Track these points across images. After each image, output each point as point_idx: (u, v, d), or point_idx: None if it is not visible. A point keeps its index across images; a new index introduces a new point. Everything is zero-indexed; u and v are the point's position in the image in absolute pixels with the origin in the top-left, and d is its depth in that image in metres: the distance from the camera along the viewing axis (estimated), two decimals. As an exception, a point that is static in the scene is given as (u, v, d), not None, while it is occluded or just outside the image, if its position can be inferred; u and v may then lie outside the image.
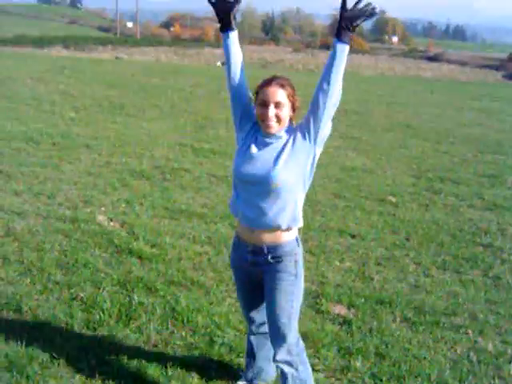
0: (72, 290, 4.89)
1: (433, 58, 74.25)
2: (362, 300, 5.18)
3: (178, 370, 3.94)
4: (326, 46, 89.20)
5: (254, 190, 3.14)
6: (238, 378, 3.89)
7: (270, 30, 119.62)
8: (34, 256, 5.48)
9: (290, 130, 3.20)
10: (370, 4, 2.99)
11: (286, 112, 3.12)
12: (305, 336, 4.44)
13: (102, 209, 7.05)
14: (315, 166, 3.22)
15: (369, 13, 3.00)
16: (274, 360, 3.41)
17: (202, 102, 17.87)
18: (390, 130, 15.58)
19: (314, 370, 4.02)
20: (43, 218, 6.57)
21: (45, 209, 6.86)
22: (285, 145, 3.14)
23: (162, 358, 4.07)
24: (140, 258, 5.69)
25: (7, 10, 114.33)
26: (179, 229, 6.61)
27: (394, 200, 8.52)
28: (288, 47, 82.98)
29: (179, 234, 6.43)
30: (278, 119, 3.10)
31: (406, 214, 7.85)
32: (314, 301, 5.11)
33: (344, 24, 2.99)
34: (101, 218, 6.71)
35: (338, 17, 3.01)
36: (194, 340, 4.33)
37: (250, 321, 3.67)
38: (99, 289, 4.93)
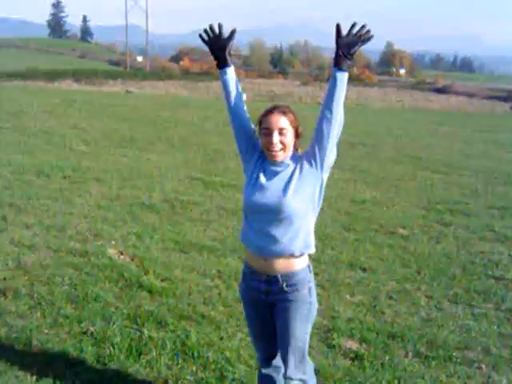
0: (82, 324, 4.87)
1: (441, 90, 74.58)
2: (374, 334, 5.13)
3: (189, 405, 3.91)
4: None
5: (266, 219, 3.17)
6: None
7: (279, 63, 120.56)
8: (44, 289, 5.48)
9: (296, 158, 3.24)
10: (363, 28, 3.03)
11: (289, 138, 3.17)
12: (317, 371, 4.40)
13: (113, 242, 7.06)
14: (323, 191, 3.26)
15: (364, 37, 3.04)
16: (287, 377, 3.45)
17: (211, 135, 17.97)
18: (399, 162, 15.59)
19: (326, 406, 4.01)
20: (53, 251, 6.58)
21: (55, 242, 6.87)
22: (293, 172, 3.19)
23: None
24: (150, 291, 5.66)
25: (18, 45, 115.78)
26: (189, 262, 6.60)
27: (404, 233, 8.50)
28: (296, 80, 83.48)
29: (189, 268, 6.41)
30: (283, 146, 3.15)
31: (417, 247, 7.81)
32: (325, 335, 5.07)
33: (341, 52, 3.05)
34: (111, 251, 6.72)
35: (335, 45, 3.05)
36: (204, 375, 4.29)
37: (262, 354, 3.65)
38: (109, 323, 4.91)
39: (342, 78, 3.09)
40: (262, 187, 3.19)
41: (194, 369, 4.36)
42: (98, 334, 4.72)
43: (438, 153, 17.74)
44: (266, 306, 3.37)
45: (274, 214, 3.14)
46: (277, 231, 3.16)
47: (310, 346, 4.75)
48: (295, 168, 3.20)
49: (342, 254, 7.34)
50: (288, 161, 3.22)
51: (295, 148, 3.28)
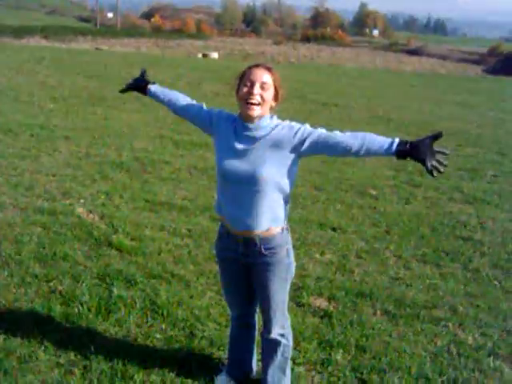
0: (51, 284, 4.84)
1: (413, 52, 74.64)
2: (343, 293, 5.18)
3: (158, 363, 3.91)
4: (306, 39, 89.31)
5: (240, 189, 3.14)
6: (218, 372, 3.87)
7: (251, 22, 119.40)
8: (11, 248, 5.42)
9: (272, 125, 3.18)
10: (445, 154, 3.05)
11: (269, 95, 3.12)
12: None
13: (82, 201, 6.98)
14: (297, 167, 3.23)
15: (437, 164, 3.00)
16: (269, 336, 3.54)
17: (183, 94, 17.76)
18: (371, 123, 15.60)
19: (294, 363, 4.06)
20: (21, 209, 6.50)
21: (23, 201, 6.77)
22: (268, 140, 3.13)
23: (141, 352, 4.04)
24: (119, 250, 5.63)
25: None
26: (159, 221, 6.56)
27: (374, 193, 8.54)
28: (269, 39, 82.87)
29: (159, 227, 6.38)
30: (262, 100, 3.09)
31: (387, 207, 7.86)
32: (294, 294, 5.09)
33: (416, 154, 3.02)
34: (80, 210, 6.65)
35: (421, 142, 3.05)
36: (174, 333, 4.30)
37: (236, 311, 3.68)
38: (78, 282, 4.88)
39: (390, 154, 3.05)
40: (236, 154, 3.15)
41: (164, 327, 4.37)
42: (67, 293, 4.69)
43: (410, 114, 17.80)
44: (243, 265, 3.38)
45: (248, 184, 3.10)
46: (251, 202, 3.14)
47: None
48: (269, 135, 3.14)
49: (312, 213, 7.35)
50: (262, 123, 3.15)
51: (271, 111, 3.22)
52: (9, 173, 7.82)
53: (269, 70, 3.16)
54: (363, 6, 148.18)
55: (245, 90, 3.10)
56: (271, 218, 3.19)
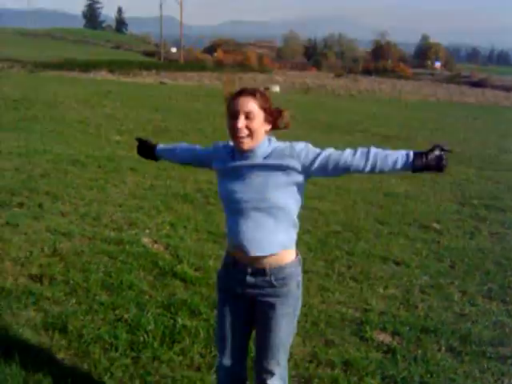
0: (117, 312, 4.93)
1: (476, 84, 73.70)
2: (407, 328, 5.11)
3: (221, 394, 3.92)
4: (367, 72, 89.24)
5: (243, 214, 3.00)
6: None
7: (313, 56, 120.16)
8: (79, 276, 5.55)
9: (273, 148, 3.00)
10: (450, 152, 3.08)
11: (257, 124, 2.92)
12: (349, 363, 4.42)
13: (147, 231, 7.13)
14: (304, 188, 3.07)
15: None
16: (267, 378, 3.22)
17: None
18: (434, 156, 15.40)
19: (357, 397, 4.00)
20: (89, 239, 6.67)
21: (90, 230, 6.96)
22: (270, 163, 2.96)
23: (205, 382, 4.07)
24: (184, 280, 5.71)
25: (54, 35, 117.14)
26: (222, 252, 6.57)
27: (438, 227, 8.43)
28: (330, 73, 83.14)
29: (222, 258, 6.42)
30: (250, 132, 2.90)
31: (451, 242, 7.75)
32: (357, 328, 5.07)
33: (433, 163, 3.00)
34: (145, 240, 6.78)
35: (437, 155, 3.02)
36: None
37: (227, 360, 3.29)
38: (143, 311, 4.96)
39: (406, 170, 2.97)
40: (238, 182, 3.01)
41: (227, 358, 4.38)
42: (133, 321, 4.77)
43: (473, 147, 17.54)
44: (247, 300, 3.15)
45: (254, 210, 2.97)
46: (258, 228, 2.98)
47: (342, 339, 4.81)
48: (271, 158, 2.97)
49: (374, 247, 7.30)
50: (260, 150, 2.98)
51: (268, 135, 3.05)
52: (77, 202, 8.05)
53: (252, 95, 2.94)
54: (425, 38, 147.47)
55: (230, 123, 2.94)
56: (279, 242, 3.01)
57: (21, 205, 7.68)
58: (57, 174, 9.61)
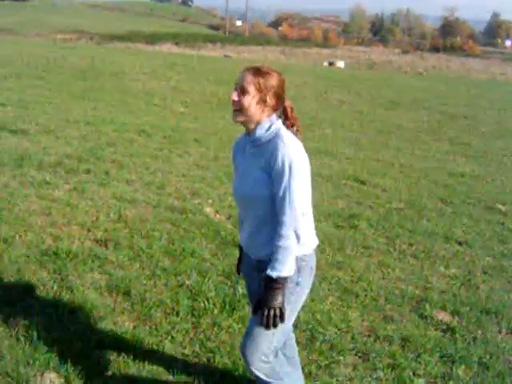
0: (179, 278, 5.02)
1: (550, 64, 71.02)
2: (467, 308, 5.03)
3: (279, 362, 3.97)
4: (435, 49, 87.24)
5: (246, 213, 3.05)
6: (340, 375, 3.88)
7: (379, 31, 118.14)
8: (143, 242, 5.67)
9: (267, 135, 2.91)
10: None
11: (248, 101, 2.84)
12: (406, 340, 4.39)
13: (209, 201, 7.21)
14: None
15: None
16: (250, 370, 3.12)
17: (308, 102, 17.89)
18: (502, 136, 15.06)
19: (414, 374, 3.99)
20: (153, 207, 6.79)
21: (155, 198, 7.08)
22: (259, 154, 2.93)
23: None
24: (244, 251, 5.76)
25: (122, 8, 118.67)
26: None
27: (503, 209, 8.23)
28: (396, 49, 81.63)
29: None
30: (240, 107, 2.86)
31: (517, 224, 7.57)
32: (417, 305, 5.03)
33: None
34: (208, 209, 6.87)
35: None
36: (295, 335, 4.34)
37: None
38: (205, 278, 5.03)
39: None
40: (239, 173, 3.06)
41: (287, 328, 4.42)
42: (194, 287, 4.85)
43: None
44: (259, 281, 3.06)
45: (250, 207, 2.99)
46: (254, 228, 3.01)
47: (401, 315, 4.78)
48: (261, 148, 2.92)
49: (437, 226, 7.20)
50: (257, 133, 2.92)
51: (274, 119, 2.94)
52: (142, 171, 8.19)
53: (254, 73, 2.87)
54: (495, 15, 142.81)
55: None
56: (269, 248, 2.91)
57: (88, 171, 7.87)
58: (123, 142, 9.79)
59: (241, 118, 2.90)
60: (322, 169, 9.38)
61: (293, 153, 2.81)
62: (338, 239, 6.36)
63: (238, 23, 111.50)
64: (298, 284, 3.02)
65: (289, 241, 2.82)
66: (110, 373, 3.70)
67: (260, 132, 2.91)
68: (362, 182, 8.80)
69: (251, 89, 2.84)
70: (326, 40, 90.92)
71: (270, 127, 2.91)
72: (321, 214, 7.09)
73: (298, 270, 2.98)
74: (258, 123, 2.91)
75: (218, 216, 6.73)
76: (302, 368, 3.91)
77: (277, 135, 2.88)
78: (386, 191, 8.49)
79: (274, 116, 2.95)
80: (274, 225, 2.87)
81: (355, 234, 6.58)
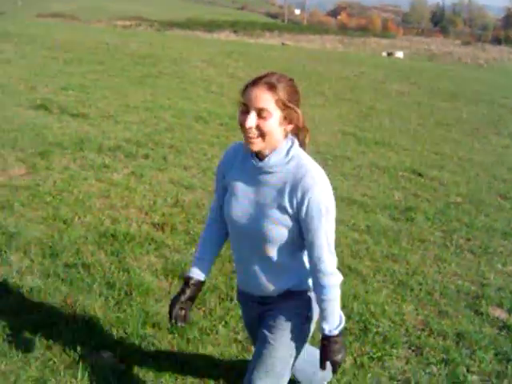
0: (233, 264, 5.05)
1: None
2: (525, 306, 4.94)
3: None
4: (497, 40, 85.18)
5: (247, 245, 2.61)
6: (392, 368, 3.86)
7: (440, 22, 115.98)
8: (199, 228, 5.71)
9: (285, 163, 2.43)
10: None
11: (271, 124, 2.32)
12: (461, 336, 4.34)
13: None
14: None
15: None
16: None
17: (366, 91, 17.72)
18: None
19: (468, 371, 3.93)
20: (209, 192, 6.83)
21: (211, 184, 7.11)
22: (274, 185, 2.46)
23: (315, 339, 4.11)
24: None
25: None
26: (339, 215, 6.54)
27: None
28: (457, 40, 79.97)
29: (339, 221, 6.39)
30: (261, 133, 2.32)
31: None
32: (472, 301, 4.95)
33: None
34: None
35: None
36: (348, 326, 4.33)
37: None
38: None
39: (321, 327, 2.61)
40: (241, 200, 2.54)
41: (339, 318, 4.42)
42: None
43: None
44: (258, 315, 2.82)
45: (254, 242, 2.55)
46: (257, 266, 2.64)
47: (456, 310, 4.72)
48: (277, 178, 2.44)
49: (496, 221, 7.06)
50: (272, 160, 2.41)
51: (291, 141, 2.48)
52: (199, 157, 8.27)
53: (271, 87, 2.31)
54: None
55: (240, 118, 2.36)
56: (284, 284, 2.65)
57: (146, 156, 7.99)
58: (180, 128, 9.89)
59: (261, 145, 2.37)
60: (379, 160, 9.29)
61: (326, 192, 2.43)
62: (394, 231, 6.31)
63: (297, 12, 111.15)
64: (308, 319, 2.73)
65: (337, 288, 2.56)
66: (163, 354, 3.76)
67: (277, 159, 2.41)
68: (420, 175, 8.69)
69: (273, 109, 2.32)
70: (385, 30, 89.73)
71: (288, 152, 2.42)
72: (377, 206, 7.05)
73: (309, 303, 2.71)
74: (273, 149, 2.41)
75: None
76: (355, 359, 3.93)
77: (298, 164, 2.43)
78: (443, 184, 8.36)
79: (290, 136, 2.49)
80: (286, 261, 2.57)
81: (411, 227, 6.51)
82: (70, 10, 61.81)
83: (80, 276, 4.62)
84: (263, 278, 2.64)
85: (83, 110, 10.29)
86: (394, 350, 4.10)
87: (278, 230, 2.45)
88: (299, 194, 2.38)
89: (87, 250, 5.07)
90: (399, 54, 43.59)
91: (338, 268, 5.06)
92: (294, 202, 2.39)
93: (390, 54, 43.24)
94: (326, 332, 2.54)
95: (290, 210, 2.41)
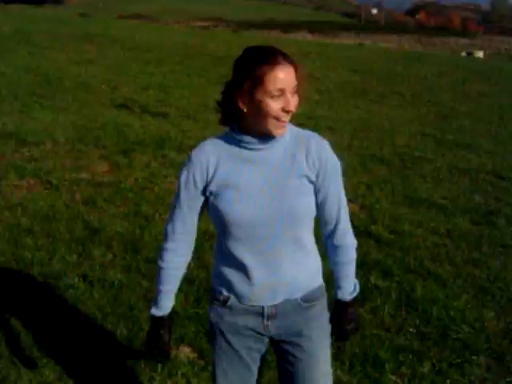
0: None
1: None
2: None
3: (410, 356, 3.92)
4: None
5: (266, 241, 2.23)
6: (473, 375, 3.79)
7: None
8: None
9: (290, 132, 2.30)
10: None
11: (296, 102, 2.17)
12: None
13: (344, 190, 7.19)
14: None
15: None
16: None
17: (445, 92, 17.36)
18: None
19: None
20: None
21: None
22: (289, 155, 2.26)
23: (393, 342, 4.09)
24: (378, 241, 5.73)
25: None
26: (418, 217, 6.54)
27: None
28: (542, 39, 77.30)
29: (418, 223, 6.36)
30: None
31: None
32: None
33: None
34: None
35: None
36: (427, 330, 4.28)
37: None
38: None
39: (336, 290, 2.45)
40: (254, 190, 2.20)
41: (417, 322, 4.36)
42: (324, 274, 4.86)
43: None
44: (262, 340, 2.41)
45: (278, 230, 2.22)
46: (284, 256, 2.27)
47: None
48: (288, 148, 2.27)
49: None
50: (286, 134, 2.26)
51: None
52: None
53: (294, 64, 2.14)
54: None
55: (275, 105, 2.09)
56: (315, 268, 2.41)
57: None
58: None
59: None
60: (459, 162, 9.10)
61: (332, 151, 2.35)
62: (475, 236, 6.17)
63: (374, 11, 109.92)
64: (327, 319, 2.48)
65: (354, 250, 2.48)
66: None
67: (286, 134, 2.26)
68: (502, 178, 8.46)
69: (295, 85, 2.16)
70: (465, 29, 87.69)
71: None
72: (457, 209, 6.91)
73: (325, 308, 2.48)
74: None
75: (351, 205, 6.59)
76: (433, 364, 3.87)
77: (293, 132, 2.31)
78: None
79: None
80: (310, 240, 2.37)
81: (493, 232, 6.35)
82: (149, 11, 63.09)
83: (161, 272, 4.72)
84: (304, 268, 2.34)
85: (164, 110, 10.52)
86: (474, 357, 4.01)
87: (305, 200, 2.24)
88: (315, 156, 2.24)
89: (168, 246, 5.18)
90: (479, 54, 42.49)
91: (415, 270, 5.06)
92: (312, 167, 2.23)
93: (469, 54, 42.21)
94: (339, 297, 2.40)
95: (310, 175, 2.23)
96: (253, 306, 2.30)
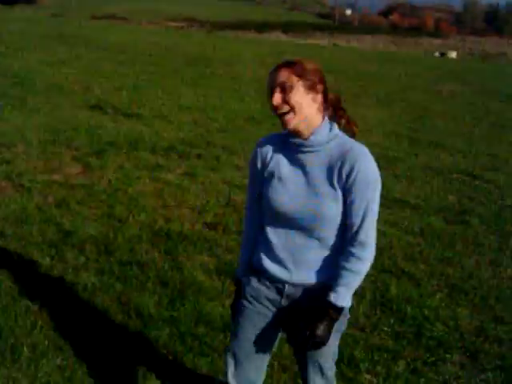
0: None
1: None
2: None
3: (385, 355, 3.93)
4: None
5: (295, 234, 2.47)
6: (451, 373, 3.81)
7: (494, 21, 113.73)
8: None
9: (331, 138, 2.42)
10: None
11: (297, 96, 2.32)
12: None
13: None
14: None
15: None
16: None
17: (418, 92, 17.51)
18: None
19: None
20: (261, 193, 6.86)
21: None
22: (324, 161, 2.40)
23: (368, 342, 4.10)
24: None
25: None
26: (392, 217, 6.57)
27: None
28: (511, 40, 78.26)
29: (391, 223, 6.39)
30: (291, 107, 2.33)
31: None
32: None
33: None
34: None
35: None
36: (401, 329, 4.30)
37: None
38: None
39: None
40: (287, 186, 2.45)
41: (392, 321, 4.38)
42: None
43: None
44: (280, 311, 2.60)
45: (304, 227, 2.42)
46: (308, 253, 2.46)
47: (512, 316, 4.62)
48: (324, 153, 2.41)
49: None
50: (318, 137, 2.40)
51: (329, 117, 2.49)
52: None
53: (288, 65, 2.35)
54: None
55: (269, 103, 2.38)
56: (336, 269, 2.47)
57: (199, 156, 8.07)
58: (233, 129, 9.96)
59: (296, 120, 2.35)
60: (432, 162, 9.18)
61: (372, 164, 2.38)
62: (448, 235, 6.22)
63: (348, 12, 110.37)
64: (345, 315, 2.61)
65: (366, 265, 2.48)
66: (216, 353, 3.78)
67: (319, 137, 2.40)
68: (474, 177, 8.54)
69: (295, 81, 2.34)
70: (438, 30, 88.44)
71: (330, 130, 2.43)
72: (430, 209, 6.97)
73: None
74: (314, 128, 2.41)
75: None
76: (408, 363, 3.89)
77: (340, 142, 2.41)
78: (499, 187, 8.20)
79: (328, 120, 2.48)
80: (337, 241, 2.45)
81: (466, 230, 6.41)
82: (123, 12, 62.63)
83: (134, 274, 4.69)
84: (314, 261, 2.47)
85: (137, 110, 10.45)
86: (448, 355, 4.04)
87: (333, 206, 2.37)
88: (347, 167, 2.33)
89: (141, 248, 5.15)
90: (452, 55, 42.90)
91: (389, 269, 5.06)
92: (343, 175, 2.34)
93: (443, 54, 42.61)
94: (331, 299, 2.40)
95: (339, 185, 2.36)
96: (274, 282, 2.53)
